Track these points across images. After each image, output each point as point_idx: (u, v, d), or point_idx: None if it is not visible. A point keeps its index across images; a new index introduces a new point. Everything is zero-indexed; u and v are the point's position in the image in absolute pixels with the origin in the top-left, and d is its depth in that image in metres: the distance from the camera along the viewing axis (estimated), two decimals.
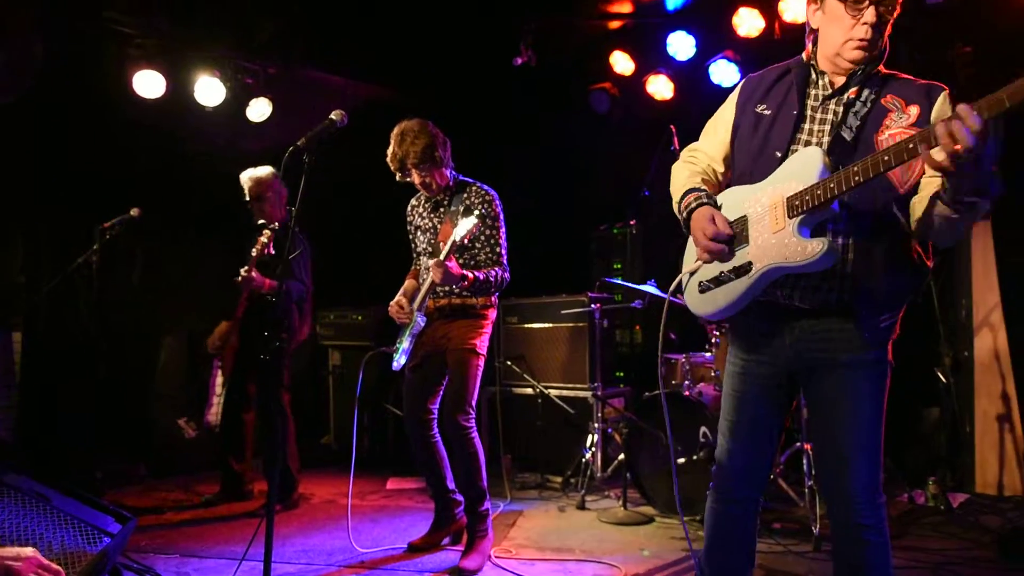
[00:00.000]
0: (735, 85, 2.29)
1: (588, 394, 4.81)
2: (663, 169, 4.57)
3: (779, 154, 2.01)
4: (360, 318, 5.88)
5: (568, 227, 6.16)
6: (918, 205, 1.88)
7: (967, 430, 4.49)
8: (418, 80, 5.94)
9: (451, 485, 3.59)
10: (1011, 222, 4.34)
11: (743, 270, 2.00)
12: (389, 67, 5.91)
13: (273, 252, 4.14)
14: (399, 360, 3.52)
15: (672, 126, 4.42)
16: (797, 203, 1.89)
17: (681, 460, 3.96)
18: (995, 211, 4.10)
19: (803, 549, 3.49)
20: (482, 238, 3.43)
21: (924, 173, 1.88)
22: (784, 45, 4.61)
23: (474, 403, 3.42)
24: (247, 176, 4.46)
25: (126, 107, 5.18)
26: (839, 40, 1.97)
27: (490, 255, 3.45)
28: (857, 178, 1.77)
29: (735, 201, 2.09)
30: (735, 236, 2.03)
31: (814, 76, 2.07)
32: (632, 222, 5.69)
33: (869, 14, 1.91)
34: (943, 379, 4.41)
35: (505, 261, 3.47)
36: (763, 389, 2.12)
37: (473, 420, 3.42)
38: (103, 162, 5.14)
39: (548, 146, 6.29)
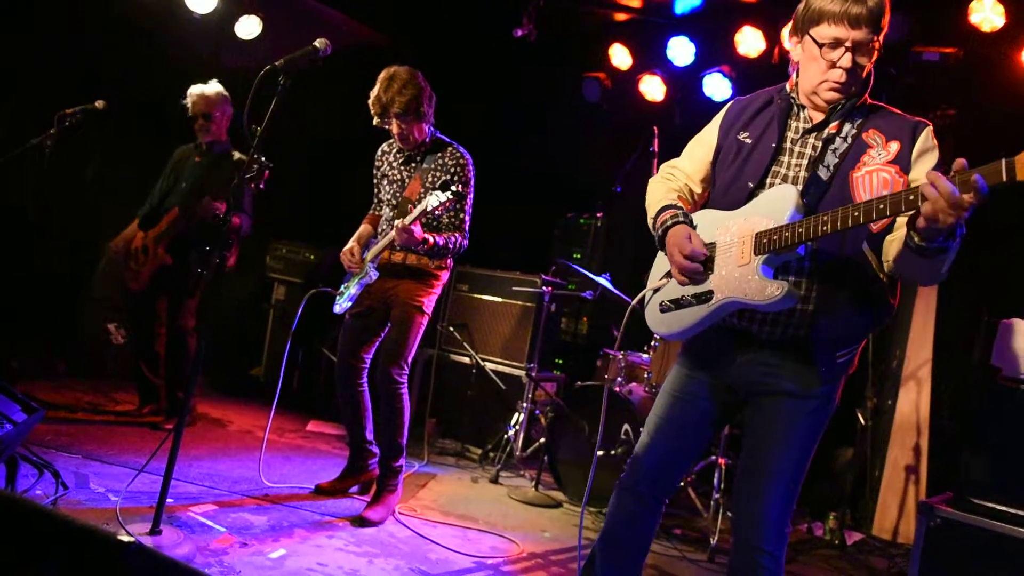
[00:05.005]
0: (724, 101, 2.28)
1: (522, 373, 4.84)
2: (638, 168, 4.63)
3: (751, 184, 2.02)
4: (313, 257, 5.81)
5: (537, 207, 6.15)
6: (893, 245, 1.87)
7: (875, 474, 4.64)
8: (414, 32, 5.84)
9: (369, 436, 3.59)
10: (954, 288, 4.47)
11: (704, 297, 2.00)
12: (389, 13, 5.80)
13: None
14: (342, 304, 3.50)
15: (655, 127, 4.43)
16: (765, 241, 1.89)
17: (600, 453, 4.02)
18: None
19: (698, 558, 3.58)
20: (449, 206, 3.39)
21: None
22: (779, 71, 4.63)
23: (410, 360, 3.42)
24: (196, 91, 4.37)
25: None
26: (815, 80, 1.97)
27: (453, 220, 3.43)
28: (824, 228, 1.78)
29: (707, 225, 2.08)
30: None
31: (795, 108, 2.07)
32: (599, 215, 5.71)
33: (845, 59, 1.91)
34: (862, 421, 4.54)
35: (467, 228, 3.46)
36: (701, 397, 2.12)
37: (406, 376, 3.41)
38: (78, 50, 4.95)
39: (532, 123, 6.26)
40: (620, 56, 5.80)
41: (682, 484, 4.05)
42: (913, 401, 4.63)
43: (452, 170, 3.42)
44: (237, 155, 4.40)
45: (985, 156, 1.59)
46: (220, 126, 4.42)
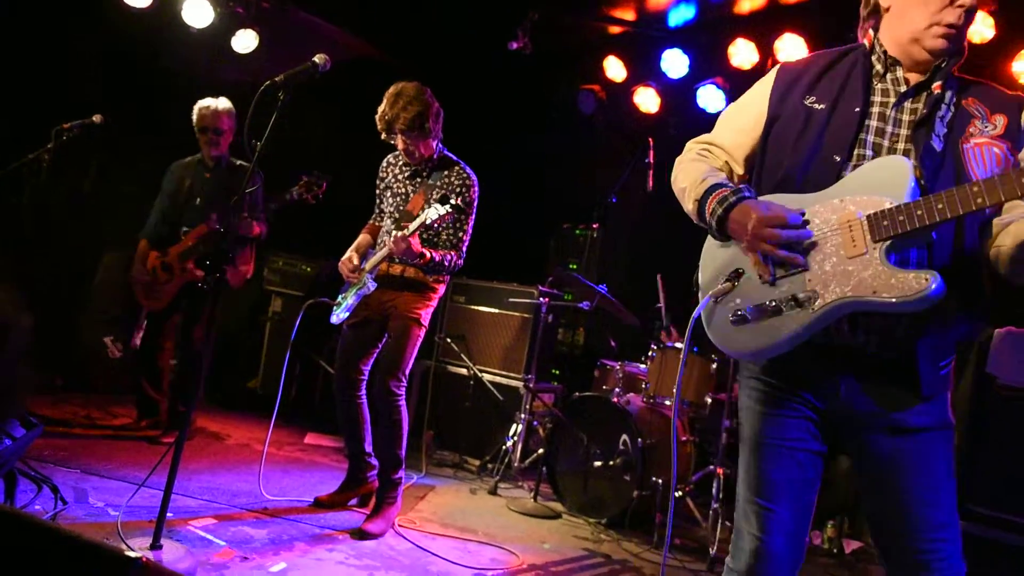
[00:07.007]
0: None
1: (520, 384, 4.85)
2: (633, 178, 4.66)
3: (838, 158, 1.66)
4: (309, 269, 5.82)
5: (533, 218, 6.18)
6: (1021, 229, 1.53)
7: None
8: (410, 45, 5.88)
9: (368, 448, 3.59)
10: None
11: (803, 300, 1.58)
12: (384, 27, 5.84)
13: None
14: (339, 315, 3.51)
15: (650, 139, 4.47)
16: (886, 224, 1.52)
17: (598, 463, 4.03)
18: None
19: (698, 568, 3.58)
20: (449, 220, 3.41)
21: None
22: None
23: (408, 372, 3.42)
24: (209, 105, 4.36)
25: (110, 12, 5.02)
26: (921, 23, 1.63)
27: (451, 238, 3.44)
28: (979, 200, 1.42)
29: None
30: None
31: (880, 67, 1.73)
32: (595, 226, 5.73)
33: None
34: None
35: (464, 248, 3.47)
36: (806, 434, 1.73)
37: (404, 388, 3.42)
38: (75, 63, 4.96)
39: (528, 135, 6.29)
40: (615, 68, 5.85)
41: (680, 494, 4.05)
42: None
43: (458, 190, 3.43)
44: (238, 162, 4.43)
45: None
46: (227, 140, 4.43)
